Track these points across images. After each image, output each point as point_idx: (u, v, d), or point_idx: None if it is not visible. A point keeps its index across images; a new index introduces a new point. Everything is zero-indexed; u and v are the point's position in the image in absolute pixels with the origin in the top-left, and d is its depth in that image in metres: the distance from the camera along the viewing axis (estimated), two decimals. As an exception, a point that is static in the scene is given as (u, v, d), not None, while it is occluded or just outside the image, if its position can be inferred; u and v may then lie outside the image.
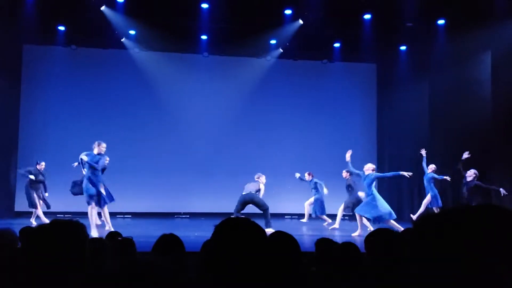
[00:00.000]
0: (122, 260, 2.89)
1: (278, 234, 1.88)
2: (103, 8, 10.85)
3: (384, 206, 8.67)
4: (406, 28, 11.15)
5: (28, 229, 3.31)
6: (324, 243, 3.63)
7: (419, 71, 12.17)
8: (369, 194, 8.86)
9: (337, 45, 12.84)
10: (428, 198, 10.12)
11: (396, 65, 12.82)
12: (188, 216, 12.31)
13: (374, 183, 9.01)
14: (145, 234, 7.35)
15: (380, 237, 2.21)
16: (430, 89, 11.99)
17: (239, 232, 1.31)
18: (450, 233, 0.76)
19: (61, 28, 11.84)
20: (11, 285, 1.97)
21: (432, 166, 10.16)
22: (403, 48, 12.61)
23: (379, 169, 13.69)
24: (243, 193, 8.92)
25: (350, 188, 10.24)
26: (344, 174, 10.31)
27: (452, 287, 0.74)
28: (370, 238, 2.25)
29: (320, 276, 3.35)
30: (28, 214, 11.89)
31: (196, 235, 7.64)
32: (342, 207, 10.26)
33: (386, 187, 13.28)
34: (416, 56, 12.26)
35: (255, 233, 1.32)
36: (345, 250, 3.11)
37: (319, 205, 10.84)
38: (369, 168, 8.98)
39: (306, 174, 11.21)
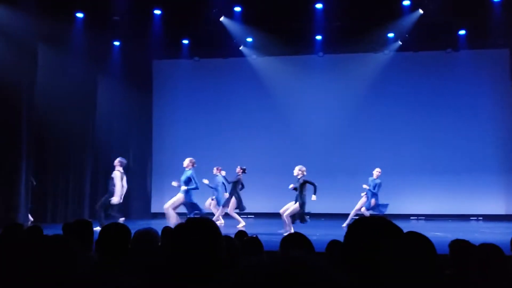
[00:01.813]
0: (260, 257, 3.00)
1: (411, 234, 1.79)
2: (222, 18, 11.39)
3: None
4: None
5: (168, 229, 3.62)
6: (459, 245, 3.40)
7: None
8: None
9: (462, 32, 11.89)
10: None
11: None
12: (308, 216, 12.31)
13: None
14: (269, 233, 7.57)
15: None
16: None
17: (375, 232, 1.28)
18: None
19: (185, 41, 12.70)
20: (155, 279, 2.14)
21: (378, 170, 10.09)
22: (541, 28, 11.26)
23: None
24: None
25: None
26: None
27: None
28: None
29: (455, 279, 3.14)
30: (163, 215, 12.93)
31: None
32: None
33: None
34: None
35: (391, 233, 1.28)
36: (485, 252, 2.88)
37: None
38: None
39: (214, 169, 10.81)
